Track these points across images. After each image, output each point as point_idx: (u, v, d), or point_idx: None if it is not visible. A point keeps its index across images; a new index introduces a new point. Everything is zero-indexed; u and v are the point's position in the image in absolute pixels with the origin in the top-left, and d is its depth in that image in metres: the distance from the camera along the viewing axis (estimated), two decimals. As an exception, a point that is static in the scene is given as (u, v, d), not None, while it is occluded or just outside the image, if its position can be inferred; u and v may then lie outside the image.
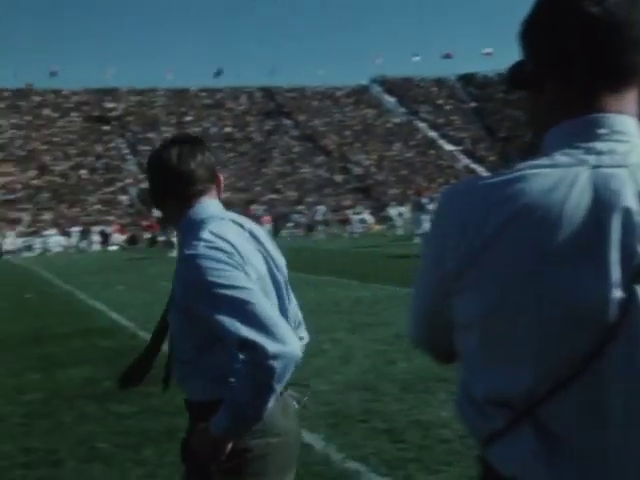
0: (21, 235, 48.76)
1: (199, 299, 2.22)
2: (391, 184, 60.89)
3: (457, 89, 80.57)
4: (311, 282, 16.25)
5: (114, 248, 45.95)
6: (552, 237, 1.18)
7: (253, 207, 54.46)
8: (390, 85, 79.93)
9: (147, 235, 47.20)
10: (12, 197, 57.14)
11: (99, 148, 65.90)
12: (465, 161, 66.99)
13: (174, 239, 33.09)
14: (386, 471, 4.62)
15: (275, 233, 49.00)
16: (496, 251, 1.21)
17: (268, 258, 2.42)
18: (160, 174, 2.47)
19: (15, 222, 52.09)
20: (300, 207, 54.35)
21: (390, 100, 77.89)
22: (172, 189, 2.45)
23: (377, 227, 45.54)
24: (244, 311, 2.16)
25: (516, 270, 1.20)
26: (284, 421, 2.37)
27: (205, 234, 2.30)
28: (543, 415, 1.20)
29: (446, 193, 1.34)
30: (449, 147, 69.19)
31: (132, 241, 47.19)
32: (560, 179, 1.20)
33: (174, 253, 31.65)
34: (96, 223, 51.17)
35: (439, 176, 61.66)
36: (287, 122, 73.09)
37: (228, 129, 70.52)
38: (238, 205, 54.68)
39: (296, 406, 2.52)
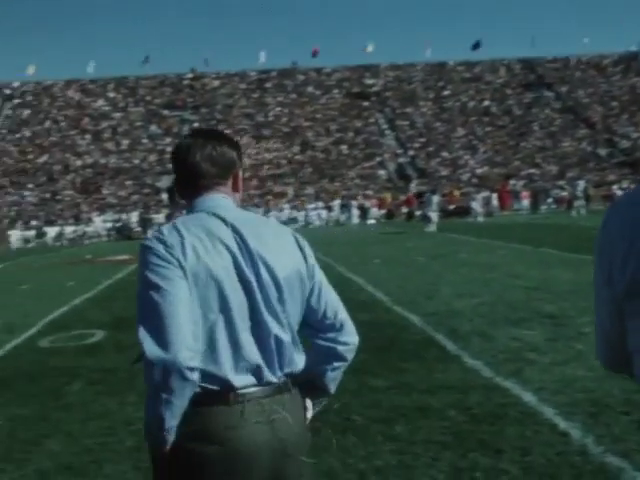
0: (286, 208, 51.14)
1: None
2: (662, 158, 56.94)
3: None
4: (570, 261, 15.62)
5: (372, 222, 47.00)
6: None
7: (511, 182, 53.28)
8: (664, 50, 74.48)
9: (404, 209, 47.79)
10: (278, 172, 60.13)
11: (359, 124, 67.46)
12: None
13: (431, 214, 33.23)
14: (652, 470, 4.30)
15: (534, 209, 47.64)
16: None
17: (240, 256, 2.25)
18: (173, 165, 2.51)
19: (280, 196, 54.84)
20: (560, 182, 52.37)
21: (663, 67, 72.63)
22: (181, 180, 2.47)
23: (645, 203, 42.68)
24: (148, 310, 2.14)
25: None
26: (231, 430, 2.18)
27: (165, 226, 2.33)
28: None
29: (611, 206, 1.19)
30: None
31: (389, 215, 48.00)
32: None
33: (431, 228, 31.82)
34: (355, 197, 52.53)
35: None
36: (548, 94, 70.53)
37: (486, 102, 69.35)
38: (495, 180, 53.78)
39: (284, 417, 2.29)
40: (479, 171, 57.79)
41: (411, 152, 62.86)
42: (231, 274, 2.23)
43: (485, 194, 48.23)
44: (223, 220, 2.31)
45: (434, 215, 33.23)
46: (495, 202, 48.75)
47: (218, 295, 2.20)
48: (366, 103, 71.26)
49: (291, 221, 48.69)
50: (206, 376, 2.17)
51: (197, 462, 2.18)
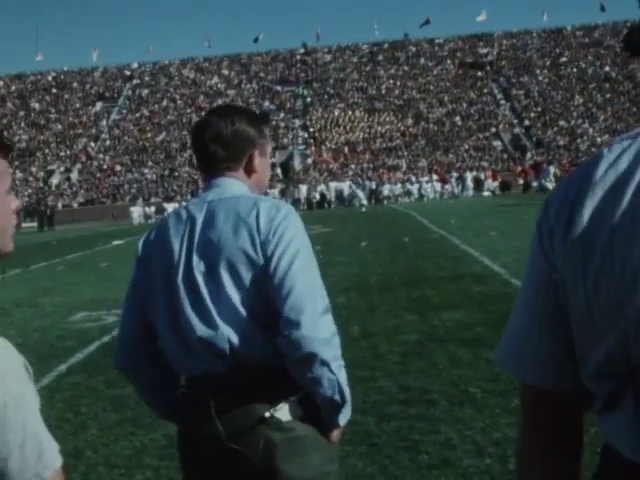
0: (406, 180, 50.93)
1: None
2: None
3: None
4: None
5: (487, 194, 46.29)
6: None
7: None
8: None
9: (520, 181, 46.83)
10: (391, 145, 59.88)
11: (472, 94, 66.36)
12: None
13: (549, 185, 32.44)
14: None
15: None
16: (576, 229, 1.09)
17: (177, 256, 2.20)
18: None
19: (394, 169, 54.65)
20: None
21: None
22: (196, 162, 2.38)
23: None
24: None
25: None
26: (184, 418, 2.27)
27: None
28: None
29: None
30: None
31: (504, 187, 47.12)
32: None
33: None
34: (469, 169, 51.82)
35: None
36: (675, 57, 67.33)
37: (607, 68, 66.87)
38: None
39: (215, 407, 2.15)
40: (599, 140, 55.93)
41: (527, 122, 61.39)
42: (165, 276, 2.22)
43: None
44: (187, 212, 2.25)
45: (551, 186, 32.40)
46: (616, 172, 47.18)
47: (154, 296, 2.25)
48: (480, 73, 69.93)
49: (405, 194, 48.50)
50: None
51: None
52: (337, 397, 2.14)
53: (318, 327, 2.08)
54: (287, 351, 2.07)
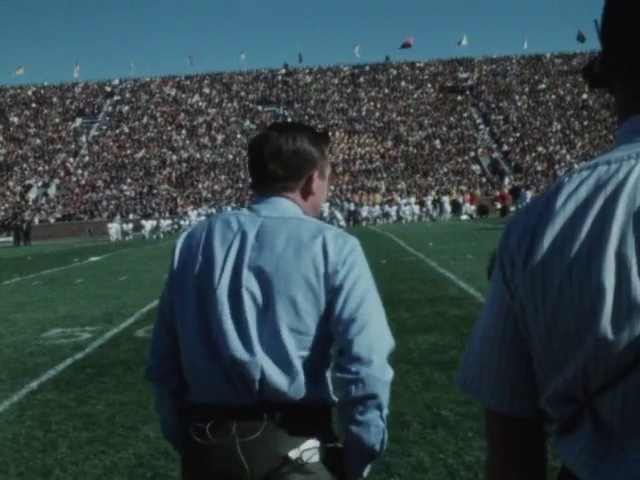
0: (377, 203, 51.12)
1: None
2: None
3: None
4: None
5: (465, 217, 46.51)
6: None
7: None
8: None
9: (498, 205, 47.13)
10: (370, 167, 60.11)
11: (452, 118, 66.84)
12: None
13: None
14: None
15: None
16: (536, 257, 1.09)
17: (221, 266, 2.02)
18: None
19: (373, 191, 54.82)
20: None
21: None
22: (251, 177, 2.21)
23: None
24: None
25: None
26: (193, 438, 2.04)
27: None
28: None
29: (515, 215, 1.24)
30: None
31: (482, 211, 47.40)
32: (599, 179, 1.13)
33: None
34: (448, 192, 52.11)
35: None
36: (650, 86, 68.31)
37: (585, 96, 67.65)
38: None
39: (244, 442, 1.99)
40: (576, 166, 56.50)
41: (505, 147, 61.89)
42: (198, 285, 2.05)
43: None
44: (238, 222, 2.08)
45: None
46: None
47: (183, 304, 2.08)
48: (460, 97, 70.51)
49: (383, 216, 48.64)
50: (184, 388, 2.14)
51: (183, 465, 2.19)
52: (377, 447, 2.04)
53: (386, 369, 2.00)
54: (348, 387, 1.96)
